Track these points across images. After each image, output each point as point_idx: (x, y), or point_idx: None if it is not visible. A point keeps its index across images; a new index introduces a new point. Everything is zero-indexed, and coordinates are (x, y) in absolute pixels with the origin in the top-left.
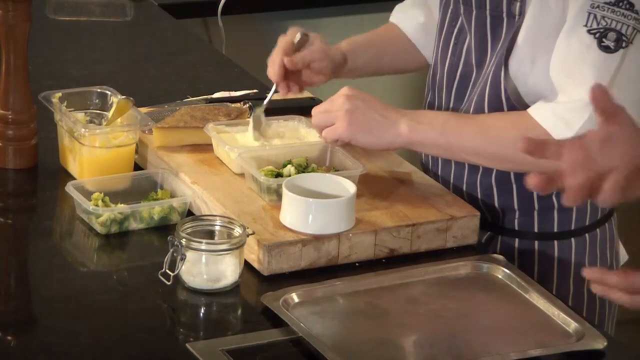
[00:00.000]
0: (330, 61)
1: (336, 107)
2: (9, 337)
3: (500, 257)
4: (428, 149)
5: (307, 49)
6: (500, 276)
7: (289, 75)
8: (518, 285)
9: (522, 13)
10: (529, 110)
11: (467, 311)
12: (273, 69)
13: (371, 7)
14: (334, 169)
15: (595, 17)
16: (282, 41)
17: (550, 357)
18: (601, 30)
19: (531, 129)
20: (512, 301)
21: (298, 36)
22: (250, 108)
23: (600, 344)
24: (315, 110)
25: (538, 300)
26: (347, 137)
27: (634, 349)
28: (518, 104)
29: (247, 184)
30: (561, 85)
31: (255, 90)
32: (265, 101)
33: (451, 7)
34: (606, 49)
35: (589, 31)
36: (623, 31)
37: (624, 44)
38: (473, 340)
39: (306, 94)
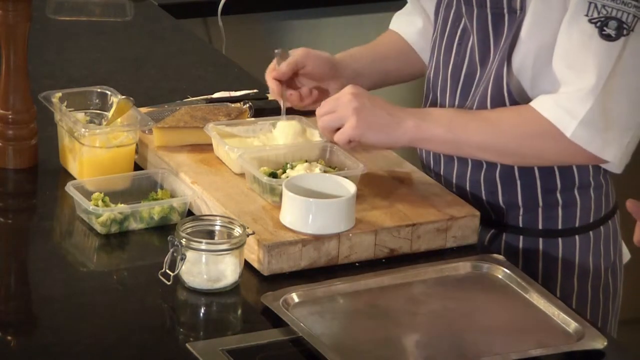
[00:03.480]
0: (319, 59)
1: (342, 106)
2: (9, 337)
3: (501, 257)
4: (434, 145)
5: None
6: (500, 276)
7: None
8: (518, 285)
9: (523, 8)
10: (531, 103)
11: (467, 311)
12: (271, 90)
13: (371, 7)
14: (330, 166)
15: (595, 6)
16: (269, 67)
17: (550, 357)
18: (602, 19)
19: (536, 121)
20: (512, 301)
21: (276, 52)
22: (250, 108)
23: (600, 344)
24: (320, 111)
25: (538, 300)
26: (358, 136)
27: (634, 349)
28: (520, 99)
29: (248, 184)
30: (564, 77)
31: (255, 90)
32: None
33: (454, 7)
34: (607, 38)
35: (589, 20)
36: (624, 19)
37: (624, 32)
38: (473, 340)
39: None
